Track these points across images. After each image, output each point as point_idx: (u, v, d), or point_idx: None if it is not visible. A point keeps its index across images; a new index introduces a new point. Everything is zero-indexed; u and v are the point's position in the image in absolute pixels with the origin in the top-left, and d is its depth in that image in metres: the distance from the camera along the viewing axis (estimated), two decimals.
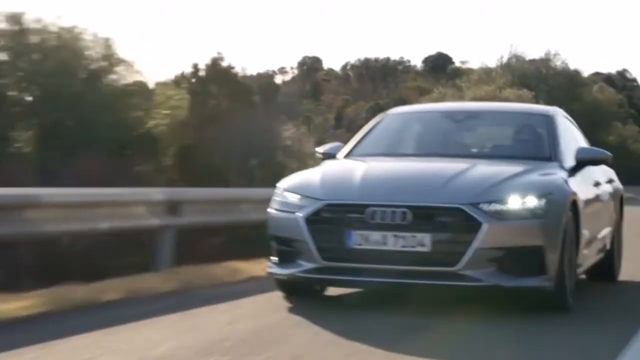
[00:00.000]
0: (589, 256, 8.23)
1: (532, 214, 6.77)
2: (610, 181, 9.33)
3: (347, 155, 8.26)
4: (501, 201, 6.75)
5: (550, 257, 6.80)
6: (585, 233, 7.80)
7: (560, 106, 9.22)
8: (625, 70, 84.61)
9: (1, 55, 26.80)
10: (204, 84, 29.66)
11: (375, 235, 6.73)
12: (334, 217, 6.89)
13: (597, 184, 8.56)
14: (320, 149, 8.56)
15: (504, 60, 59.84)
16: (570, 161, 7.94)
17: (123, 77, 28.21)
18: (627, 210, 10.25)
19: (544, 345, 5.91)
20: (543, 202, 6.81)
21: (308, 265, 6.94)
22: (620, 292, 8.83)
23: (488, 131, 8.92)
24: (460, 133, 8.54)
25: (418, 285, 6.78)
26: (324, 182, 7.18)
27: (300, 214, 6.99)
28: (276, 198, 7.31)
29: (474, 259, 6.61)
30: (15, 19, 26.66)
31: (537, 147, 8.08)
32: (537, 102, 45.33)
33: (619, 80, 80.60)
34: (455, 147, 8.32)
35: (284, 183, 7.43)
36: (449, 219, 6.69)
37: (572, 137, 8.67)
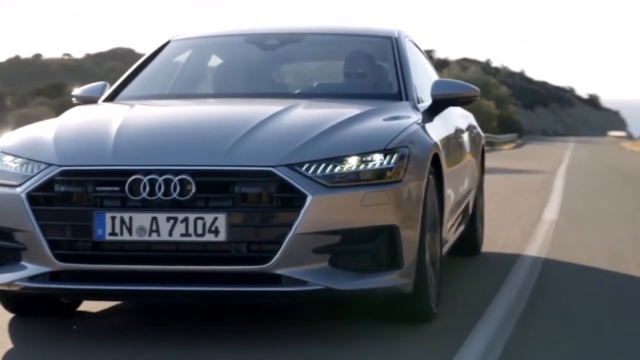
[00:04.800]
0: (452, 228, 6.03)
1: (379, 178, 4.45)
2: (470, 128, 7.12)
3: (111, 99, 5.74)
4: (333, 160, 4.41)
5: (406, 241, 4.51)
6: (449, 198, 5.58)
7: None
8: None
9: None
10: None
11: (140, 219, 4.29)
12: (74, 191, 4.39)
13: (458, 132, 6.33)
14: (77, 91, 5.99)
15: None
16: (425, 100, 5.68)
17: None
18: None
19: None
20: (395, 159, 4.50)
21: (35, 268, 4.43)
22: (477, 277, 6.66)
23: (312, 62, 6.54)
24: (273, 65, 6.11)
25: (210, 295, 4.39)
26: (60, 138, 4.65)
27: (20, 189, 4.45)
28: None
29: (294, 250, 4.27)
30: None
31: (381, 81, 5.77)
32: None
33: None
34: (265, 85, 5.92)
35: (2, 141, 4.86)
36: (253, 190, 4.31)
37: (423, 69, 6.40)
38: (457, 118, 6.52)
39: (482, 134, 7.63)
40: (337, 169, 4.39)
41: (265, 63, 6.04)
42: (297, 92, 5.80)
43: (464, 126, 6.69)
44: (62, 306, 5.07)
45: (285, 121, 4.71)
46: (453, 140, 5.96)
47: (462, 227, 6.66)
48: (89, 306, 5.19)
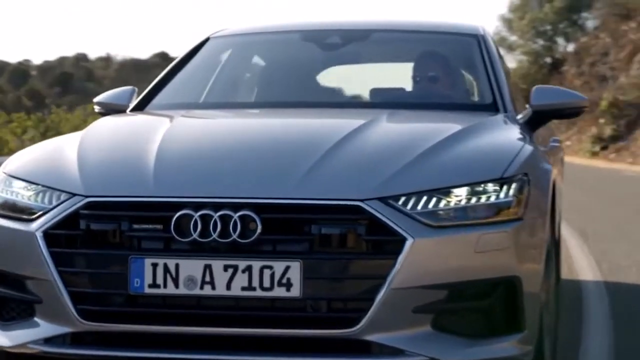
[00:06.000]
0: None
1: (496, 215, 3.46)
2: (556, 140, 6.12)
3: (142, 107, 4.75)
4: (437, 192, 3.42)
5: (528, 296, 3.51)
6: (557, 228, 4.61)
7: None
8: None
9: None
10: None
11: (190, 266, 3.30)
12: (104, 229, 3.40)
13: (553, 148, 5.35)
14: (100, 98, 4.98)
15: None
16: (522, 112, 4.69)
17: None
18: None
19: None
20: (513, 190, 3.51)
21: (53, 327, 3.44)
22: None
23: (385, 64, 5.56)
24: (337, 68, 5.13)
25: None
26: (85, 161, 3.65)
27: (35, 225, 3.46)
28: None
29: (389, 310, 3.28)
30: None
31: (470, 88, 4.80)
32: None
33: None
34: (329, 92, 4.94)
35: (11, 163, 3.87)
36: (335, 230, 3.31)
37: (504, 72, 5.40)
38: (546, 130, 5.52)
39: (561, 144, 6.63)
40: (442, 204, 3.40)
41: (327, 65, 5.05)
42: (370, 101, 4.82)
43: (551, 139, 5.70)
44: None
45: (370, 140, 3.71)
46: (553, 160, 4.97)
47: None
48: None
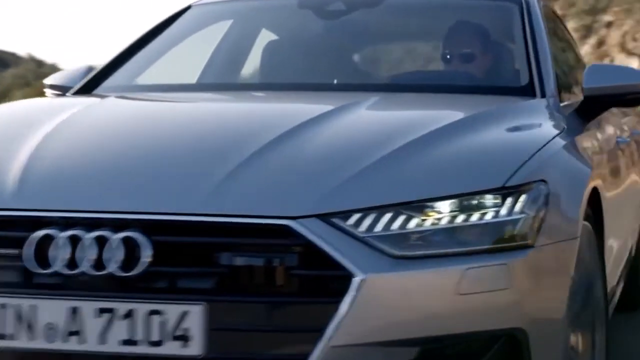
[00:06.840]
0: (615, 280, 3.98)
1: (493, 240, 2.40)
2: (636, 135, 4.96)
3: (89, 90, 3.83)
4: (406, 207, 2.38)
5: (542, 356, 2.46)
6: (612, 246, 3.53)
7: None
8: None
9: None
10: None
11: (51, 309, 2.36)
12: None
13: (621, 144, 4.23)
14: (51, 79, 4.09)
15: None
16: (571, 97, 3.62)
17: None
18: None
19: None
20: (521, 204, 2.45)
21: None
22: None
23: (396, 39, 4.56)
24: (336, 42, 4.12)
25: None
26: None
27: None
28: None
29: None
30: None
31: (501, 66, 3.77)
32: None
33: None
34: (328, 71, 3.94)
35: None
36: (253, 261, 2.32)
37: (563, 49, 4.32)
38: (615, 120, 4.40)
39: None
40: (412, 224, 2.37)
41: (324, 39, 4.06)
42: (372, 81, 3.85)
43: (626, 132, 4.58)
44: None
45: (326, 134, 2.68)
46: (614, 160, 3.86)
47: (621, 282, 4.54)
48: None
